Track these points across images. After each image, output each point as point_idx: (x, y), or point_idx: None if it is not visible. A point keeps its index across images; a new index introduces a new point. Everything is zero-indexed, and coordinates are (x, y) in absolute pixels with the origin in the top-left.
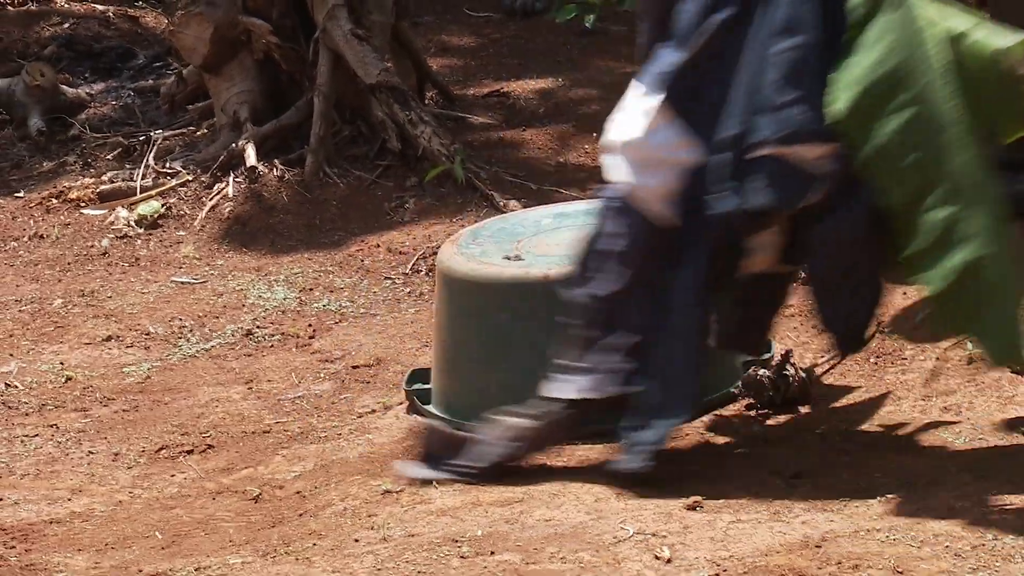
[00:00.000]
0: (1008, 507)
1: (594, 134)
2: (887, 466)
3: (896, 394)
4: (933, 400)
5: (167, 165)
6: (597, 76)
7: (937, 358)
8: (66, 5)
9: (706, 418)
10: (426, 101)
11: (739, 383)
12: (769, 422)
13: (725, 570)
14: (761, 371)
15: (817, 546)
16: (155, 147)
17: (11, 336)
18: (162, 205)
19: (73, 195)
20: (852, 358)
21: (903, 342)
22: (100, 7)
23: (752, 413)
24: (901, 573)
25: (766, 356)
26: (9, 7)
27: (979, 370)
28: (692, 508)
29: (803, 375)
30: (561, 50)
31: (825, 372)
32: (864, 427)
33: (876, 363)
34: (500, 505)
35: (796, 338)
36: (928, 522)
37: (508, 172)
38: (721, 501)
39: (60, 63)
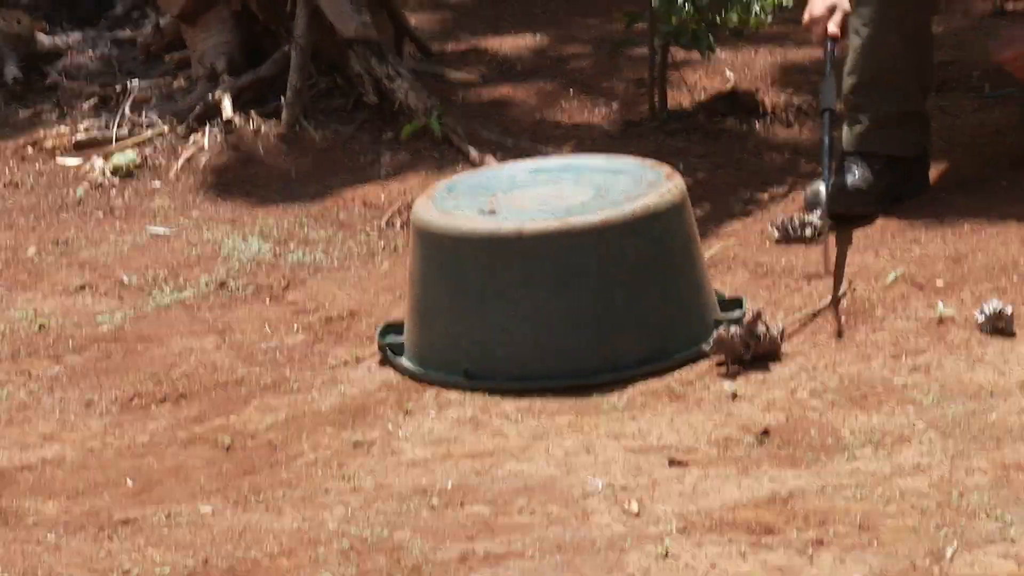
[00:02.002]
0: (974, 466)
1: (570, 90)
2: (855, 424)
3: (866, 352)
4: (903, 360)
5: (143, 115)
6: (577, 33)
7: (908, 318)
8: None
9: (676, 374)
10: (404, 56)
11: (710, 340)
12: (739, 379)
13: (692, 524)
14: (732, 328)
15: (784, 502)
16: (131, 97)
17: None
18: (137, 155)
19: (49, 144)
20: (823, 316)
21: (874, 302)
22: None
23: (723, 370)
24: (867, 529)
25: (737, 314)
26: None
27: (949, 330)
28: (663, 464)
29: (774, 333)
30: (541, 6)
31: (797, 330)
32: (833, 385)
33: (847, 322)
34: (470, 458)
35: (768, 296)
36: (895, 480)
37: (485, 128)
38: (690, 456)
39: (37, 11)
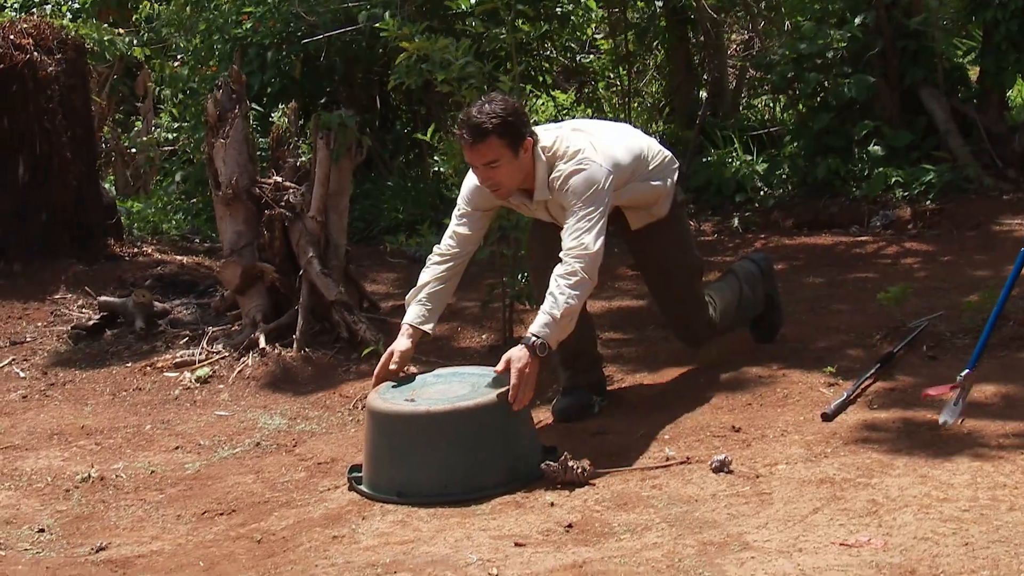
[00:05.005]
0: (687, 543)
1: (459, 328)
2: (620, 519)
3: (626, 478)
4: (644, 481)
5: (214, 347)
6: (466, 295)
7: (650, 457)
8: (159, 256)
9: (519, 492)
10: (363, 309)
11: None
12: (555, 494)
13: None
14: (553, 464)
15: (581, 566)
16: (207, 337)
17: (120, 447)
18: (211, 370)
19: (159, 365)
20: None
21: (629, 447)
22: (179, 257)
23: (546, 489)
24: None
25: (553, 457)
26: (125, 259)
27: (672, 466)
28: (511, 545)
29: (579, 470)
30: None
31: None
32: (608, 497)
33: (614, 460)
34: (400, 544)
35: (570, 446)
36: (643, 552)
37: None
38: (527, 540)
39: (154, 289)
